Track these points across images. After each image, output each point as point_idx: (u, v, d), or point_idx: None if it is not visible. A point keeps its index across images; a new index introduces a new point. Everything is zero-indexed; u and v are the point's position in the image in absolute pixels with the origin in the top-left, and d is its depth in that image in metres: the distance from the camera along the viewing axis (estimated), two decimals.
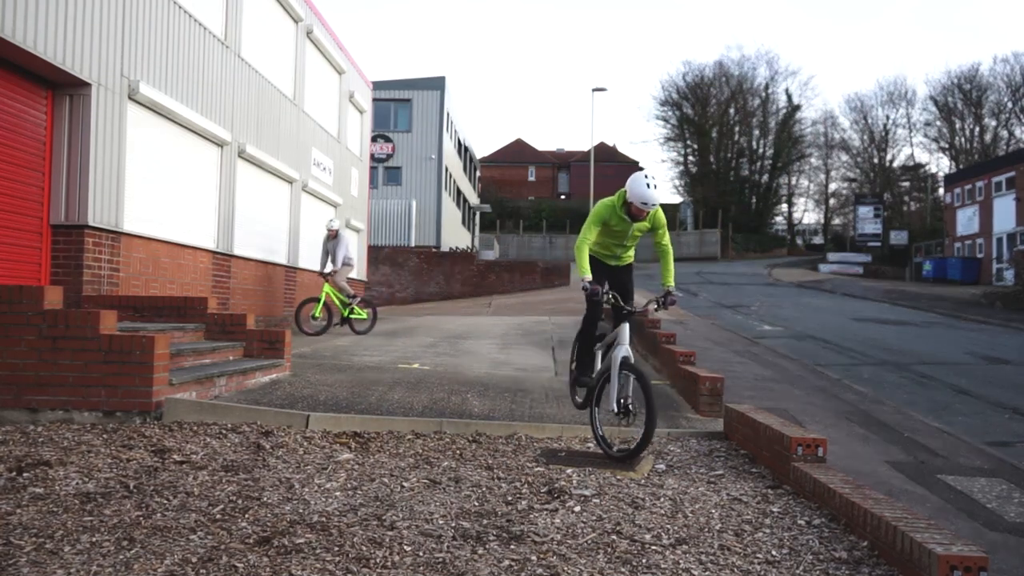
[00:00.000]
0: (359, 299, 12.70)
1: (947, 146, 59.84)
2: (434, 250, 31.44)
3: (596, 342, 5.48)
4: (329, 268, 12.38)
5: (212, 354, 7.05)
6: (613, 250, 5.34)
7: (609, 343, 5.20)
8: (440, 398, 6.44)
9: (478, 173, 54.98)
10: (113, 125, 8.38)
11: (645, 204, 4.90)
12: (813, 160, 65.11)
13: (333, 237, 12.49)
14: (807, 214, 72.21)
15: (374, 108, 23.91)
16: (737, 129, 62.88)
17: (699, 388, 6.48)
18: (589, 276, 5.03)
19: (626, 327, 4.95)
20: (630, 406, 4.83)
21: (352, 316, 12.46)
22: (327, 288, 12.25)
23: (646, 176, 4.98)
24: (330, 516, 3.47)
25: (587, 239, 5.12)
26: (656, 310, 5.17)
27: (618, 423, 5.00)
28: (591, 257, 5.20)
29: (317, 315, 11.83)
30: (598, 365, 5.42)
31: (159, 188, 9.49)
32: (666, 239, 5.29)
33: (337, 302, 12.35)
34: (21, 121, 7.50)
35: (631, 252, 5.48)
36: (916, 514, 3.31)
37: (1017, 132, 56.55)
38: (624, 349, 4.90)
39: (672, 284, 5.17)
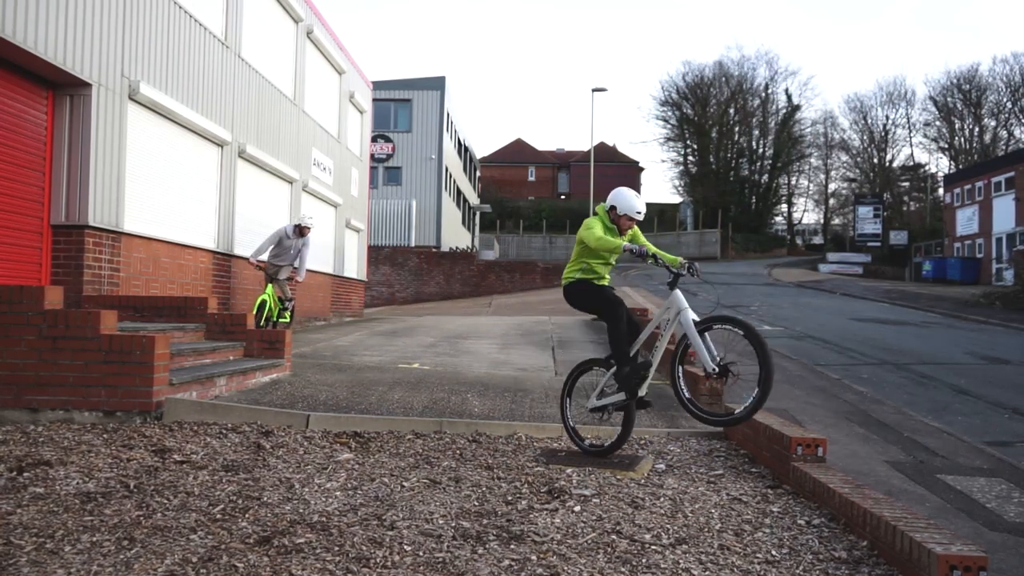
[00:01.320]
0: (292, 302, 10.99)
1: (947, 146, 59.87)
2: (434, 250, 31.47)
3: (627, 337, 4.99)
4: (301, 276, 10.73)
5: (212, 354, 7.05)
6: (600, 270, 5.22)
7: (666, 319, 4.87)
8: (440, 398, 6.44)
9: (478, 173, 55.00)
10: (113, 125, 8.38)
11: (639, 213, 4.98)
12: (813, 160, 65.17)
13: (302, 235, 10.60)
14: (807, 214, 72.23)
15: (374, 108, 23.91)
16: (737, 129, 62.89)
17: (699, 388, 6.47)
18: (624, 241, 4.84)
19: (678, 291, 4.75)
20: (729, 365, 4.45)
21: (280, 320, 10.69)
22: (272, 291, 10.51)
23: (627, 188, 5.12)
24: (330, 516, 3.47)
25: (599, 232, 4.92)
26: (692, 274, 4.96)
27: (721, 384, 4.68)
28: (584, 280, 5.08)
29: (261, 324, 10.18)
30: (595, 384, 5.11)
31: (159, 188, 9.50)
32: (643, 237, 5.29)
33: (271, 303, 10.56)
34: (21, 121, 7.51)
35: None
36: (916, 514, 3.31)
37: (1016, 132, 56.59)
38: (690, 311, 4.63)
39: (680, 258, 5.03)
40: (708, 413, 4.60)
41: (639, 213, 4.98)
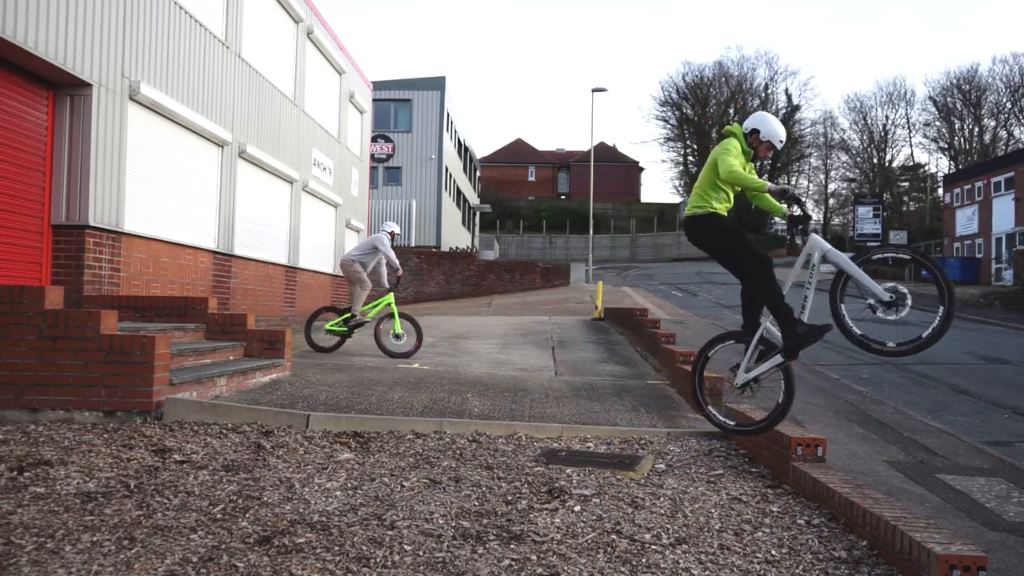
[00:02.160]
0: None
1: (946, 146, 59.92)
2: (434, 250, 31.46)
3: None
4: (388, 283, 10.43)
5: (212, 354, 7.06)
6: (731, 200, 4.63)
7: (811, 265, 4.51)
8: (440, 398, 6.45)
9: (478, 173, 55.01)
10: (114, 125, 8.39)
11: (782, 142, 4.59)
12: (813, 160, 65.26)
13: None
14: None
15: (374, 108, 23.92)
16: None
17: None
18: (769, 183, 4.40)
19: (814, 234, 4.46)
20: (900, 288, 4.14)
21: (356, 326, 10.19)
22: (392, 299, 10.16)
23: (768, 113, 4.70)
24: (330, 516, 3.47)
25: (735, 161, 4.49)
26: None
27: (894, 312, 4.15)
28: (720, 215, 4.53)
29: (399, 331, 9.86)
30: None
31: (160, 188, 9.50)
32: None
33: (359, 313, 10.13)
34: (22, 121, 7.51)
35: None
36: (915, 513, 3.32)
37: (1016, 132, 56.64)
38: (836, 251, 4.33)
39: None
40: (894, 344, 4.16)
41: (781, 142, 4.58)
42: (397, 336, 9.84)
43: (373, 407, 5.95)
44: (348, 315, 9.97)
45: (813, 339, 4.45)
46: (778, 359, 4.49)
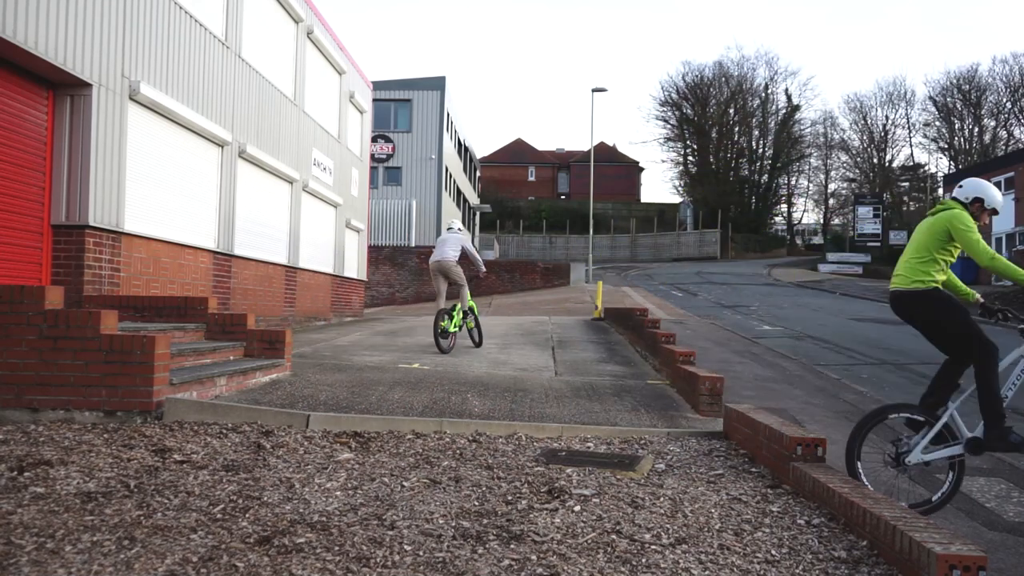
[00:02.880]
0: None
1: (946, 146, 59.98)
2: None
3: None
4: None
5: (212, 354, 7.06)
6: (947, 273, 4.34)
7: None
8: (440, 398, 6.45)
9: (478, 173, 55.01)
10: (114, 125, 8.39)
11: (1001, 205, 4.36)
12: (813, 160, 65.34)
13: None
14: (807, 214, 72.35)
15: (374, 108, 23.91)
16: (737, 129, 63.01)
17: (699, 388, 6.49)
18: None
19: None
20: None
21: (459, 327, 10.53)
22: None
23: (981, 179, 4.55)
24: (330, 516, 3.47)
25: (986, 246, 4.21)
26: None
27: None
28: (943, 291, 4.25)
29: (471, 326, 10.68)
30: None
31: (160, 188, 9.51)
32: None
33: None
34: (22, 121, 7.51)
35: None
36: (915, 513, 3.32)
37: (1016, 132, 56.72)
38: None
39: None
40: None
41: (1001, 206, 4.33)
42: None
43: (373, 407, 5.95)
44: (461, 310, 10.61)
45: (1015, 450, 4.15)
46: (957, 451, 4.19)
